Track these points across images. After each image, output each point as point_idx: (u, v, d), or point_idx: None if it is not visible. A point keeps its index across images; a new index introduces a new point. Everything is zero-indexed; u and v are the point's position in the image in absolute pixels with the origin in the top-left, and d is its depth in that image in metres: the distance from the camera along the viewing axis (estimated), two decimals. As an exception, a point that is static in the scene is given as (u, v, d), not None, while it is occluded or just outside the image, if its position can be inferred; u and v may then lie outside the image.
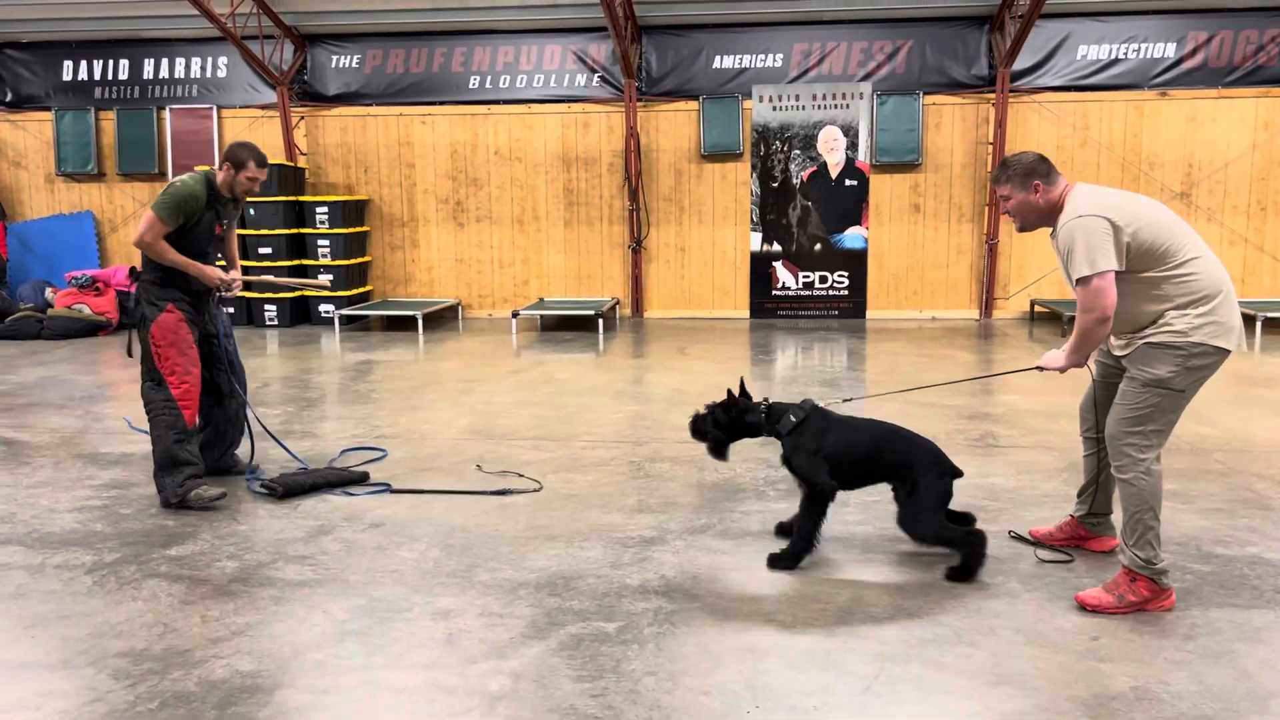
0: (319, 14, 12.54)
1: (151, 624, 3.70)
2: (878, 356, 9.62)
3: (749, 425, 4.37)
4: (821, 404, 4.37)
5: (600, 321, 11.30)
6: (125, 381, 8.65)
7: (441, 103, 12.84)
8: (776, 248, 12.49)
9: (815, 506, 4.19)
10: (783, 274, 12.52)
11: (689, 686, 3.20)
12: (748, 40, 12.38)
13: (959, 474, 4.22)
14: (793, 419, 4.28)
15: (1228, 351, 3.70)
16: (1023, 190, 3.93)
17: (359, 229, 12.77)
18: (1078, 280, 3.72)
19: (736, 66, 12.43)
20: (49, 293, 12.33)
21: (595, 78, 12.56)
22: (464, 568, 4.24)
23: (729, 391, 4.43)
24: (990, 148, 12.06)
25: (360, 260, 12.79)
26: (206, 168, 5.29)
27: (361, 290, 12.84)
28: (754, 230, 12.50)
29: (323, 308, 12.34)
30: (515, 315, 11.45)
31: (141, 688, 3.21)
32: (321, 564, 4.28)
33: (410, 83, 12.86)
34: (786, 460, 4.29)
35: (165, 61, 13.20)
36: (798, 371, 8.95)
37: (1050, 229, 3.96)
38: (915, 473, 4.13)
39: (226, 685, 3.23)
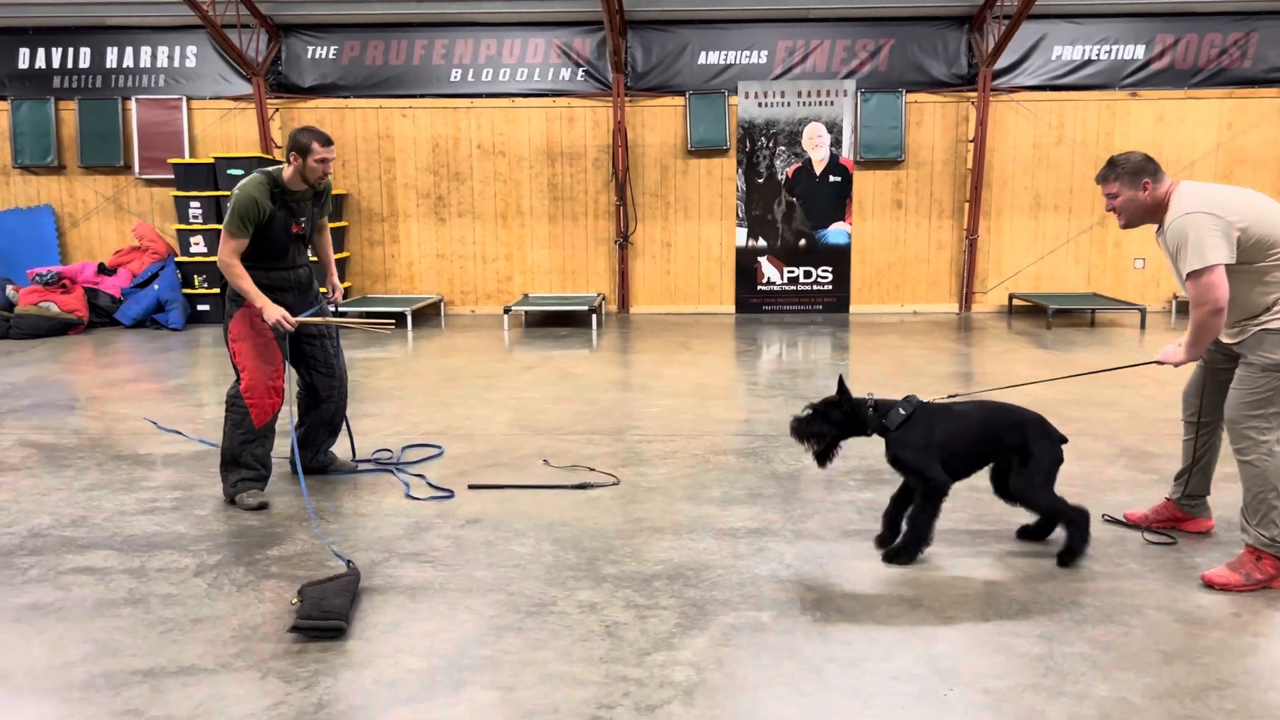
0: (295, 3, 12.24)
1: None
2: (879, 350, 9.76)
3: (859, 421, 4.23)
4: (925, 400, 4.36)
5: (594, 317, 11.27)
6: (125, 381, 8.35)
7: (422, 95, 12.64)
8: (762, 243, 12.59)
9: (931, 501, 4.15)
10: (768, 269, 12.62)
11: (875, 671, 3.22)
12: (733, 36, 12.45)
13: (1065, 440, 4.29)
14: (901, 412, 4.20)
15: None
16: (1131, 188, 4.02)
17: (337, 224, 12.51)
18: (1189, 275, 3.81)
19: (722, 62, 12.48)
20: (10, 290, 11.81)
21: (580, 72, 12.50)
22: (585, 561, 4.20)
23: (840, 382, 4.30)
24: (971, 145, 12.33)
25: (338, 256, 12.52)
26: (274, 165, 5.22)
27: (341, 286, 12.54)
28: (739, 226, 12.58)
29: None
30: (507, 311, 11.34)
31: (320, 689, 3.11)
32: (439, 561, 4.20)
33: (389, 75, 12.63)
34: (895, 458, 4.20)
35: (130, 50, 12.74)
36: (815, 366, 9.04)
37: (1156, 226, 4.06)
38: (1029, 440, 4.17)
39: (403, 684, 3.15)
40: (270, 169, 5.00)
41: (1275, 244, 3.82)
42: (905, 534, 4.23)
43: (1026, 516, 4.47)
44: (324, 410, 5.39)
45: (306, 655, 3.35)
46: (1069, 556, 4.17)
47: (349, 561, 4.08)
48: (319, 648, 3.40)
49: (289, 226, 5.02)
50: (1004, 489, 4.32)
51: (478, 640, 3.46)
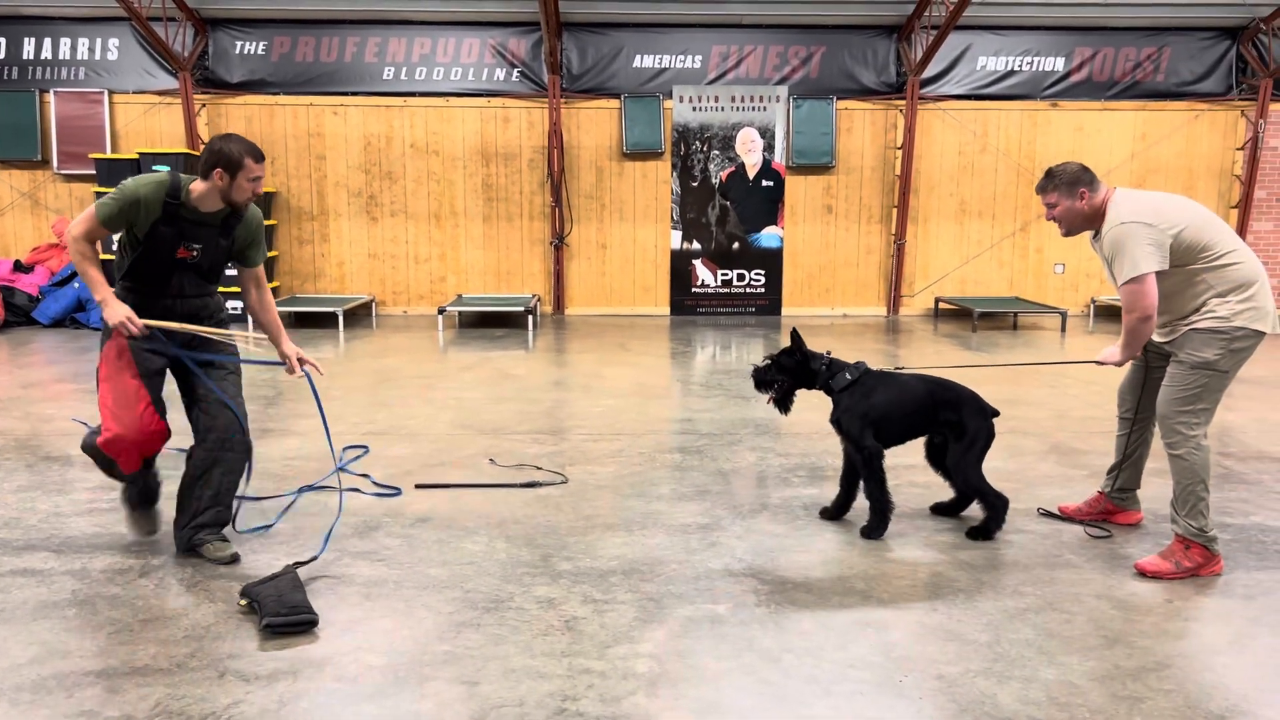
0: (223, -3, 12.03)
1: (243, 624, 3.54)
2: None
3: (810, 372, 4.53)
4: (874, 368, 4.59)
5: (529, 318, 11.25)
6: (47, 381, 8.10)
7: (354, 93, 12.48)
8: (696, 246, 12.70)
9: (870, 469, 4.41)
10: (702, 272, 12.75)
11: (832, 660, 3.30)
12: (668, 40, 12.55)
13: (997, 413, 4.55)
14: (847, 377, 4.49)
15: (1264, 334, 4.06)
16: (1069, 197, 4.17)
17: (266, 222, 12.26)
18: (1122, 283, 4.00)
19: (656, 66, 12.57)
20: (-81, 287, 11.35)
21: (515, 73, 12.47)
22: (539, 558, 4.21)
23: (794, 333, 4.59)
24: (899, 152, 12.61)
25: (268, 255, 12.28)
26: (185, 175, 4.06)
27: (269, 286, 12.32)
28: (674, 228, 12.68)
29: (231, 304, 11.81)
30: (442, 312, 11.26)
31: (280, 688, 3.08)
32: (391, 559, 4.17)
33: (321, 72, 12.45)
34: (836, 420, 4.51)
35: (48, 41, 12.35)
36: (752, 367, 9.15)
37: (1092, 233, 4.24)
38: (964, 416, 4.42)
39: (365, 681, 3.13)
40: (184, 176, 4.05)
41: (1205, 248, 4.01)
42: (870, 509, 4.47)
43: (951, 494, 4.78)
44: (199, 458, 4.16)
45: (263, 654, 3.31)
46: (981, 533, 4.47)
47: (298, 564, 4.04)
48: (275, 646, 3.37)
49: (175, 249, 4.03)
50: (937, 461, 4.64)
51: (438, 636, 3.46)
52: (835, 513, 4.68)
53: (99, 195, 11.49)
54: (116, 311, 3.91)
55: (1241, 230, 12.79)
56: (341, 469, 5.54)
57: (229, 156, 3.92)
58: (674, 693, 3.08)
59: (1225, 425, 6.68)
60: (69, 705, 2.98)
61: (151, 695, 3.03)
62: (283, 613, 3.46)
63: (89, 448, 4.22)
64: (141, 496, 4.27)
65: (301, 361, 4.34)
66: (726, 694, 3.08)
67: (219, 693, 3.05)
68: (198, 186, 4.00)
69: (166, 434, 4.12)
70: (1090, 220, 4.19)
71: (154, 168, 11.35)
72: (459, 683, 3.13)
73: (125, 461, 4.08)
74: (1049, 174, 4.22)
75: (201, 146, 12.24)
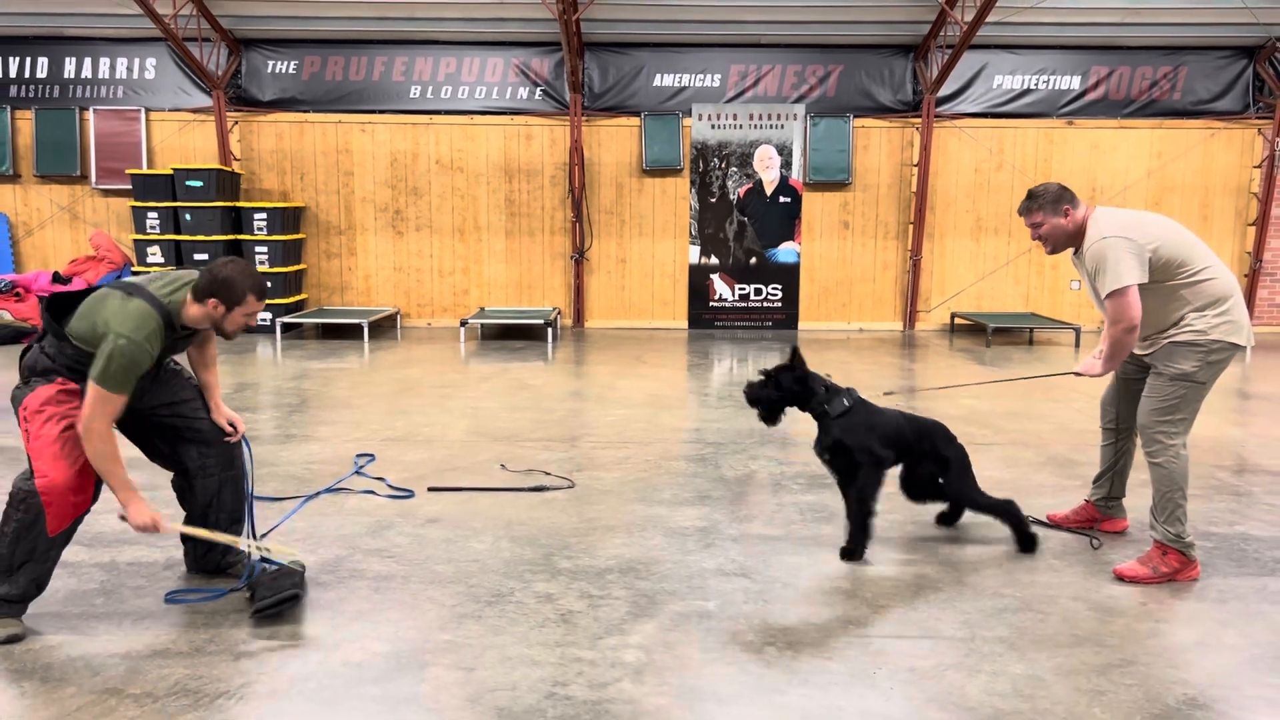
0: (256, 18, 12.38)
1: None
2: (828, 365, 10.08)
3: (808, 391, 4.48)
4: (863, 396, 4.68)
5: (549, 331, 11.50)
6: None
7: (381, 111, 12.81)
8: (714, 261, 12.91)
9: (872, 476, 4.37)
10: (720, 286, 12.94)
11: (812, 654, 3.48)
12: (687, 60, 12.79)
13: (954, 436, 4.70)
14: (845, 403, 4.48)
15: (1240, 347, 4.21)
16: (1054, 215, 4.32)
17: (296, 236, 12.62)
18: (1106, 295, 4.15)
19: (676, 85, 12.82)
20: (-38, 298, 11.75)
21: (538, 91, 12.76)
22: (541, 557, 4.42)
23: (794, 350, 4.56)
24: (915, 169, 12.77)
25: (296, 268, 12.63)
26: (172, 289, 3.70)
27: (297, 298, 12.67)
28: (692, 244, 12.89)
29: (260, 315, 12.13)
30: (464, 324, 11.52)
31: (290, 670, 3.30)
32: (400, 556, 4.40)
33: (349, 90, 12.80)
34: (839, 442, 4.41)
35: (88, 61, 12.78)
36: (759, 378, 9.32)
37: (1073, 250, 4.39)
38: (937, 445, 4.56)
39: (370, 666, 3.35)
40: (167, 298, 3.67)
41: (1183, 264, 4.16)
42: (850, 528, 4.45)
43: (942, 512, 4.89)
44: (202, 488, 4.01)
45: (276, 640, 3.54)
46: (1024, 545, 4.55)
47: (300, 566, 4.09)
48: (288, 634, 3.59)
49: (161, 360, 3.86)
50: (911, 489, 4.74)
51: (440, 627, 3.67)
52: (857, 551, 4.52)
53: (135, 210, 11.84)
54: (144, 515, 3.62)
55: (1259, 247, 12.83)
56: (358, 472, 5.77)
57: (231, 290, 3.65)
58: (658, 680, 3.27)
59: (1228, 439, 6.78)
60: (95, 683, 3.21)
61: (171, 675, 3.26)
62: (267, 596, 3.69)
63: (24, 495, 3.49)
64: (24, 593, 3.60)
65: (234, 427, 4.07)
66: (707, 681, 3.26)
67: (233, 674, 3.28)
68: (191, 311, 3.69)
69: (93, 495, 3.66)
70: (1073, 237, 4.35)
71: (188, 183, 11.73)
72: (457, 668, 3.34)
73: (56, 514, 3.52)
74: (1031, 195, 4.37)
75: (233, 162, 12.61)
